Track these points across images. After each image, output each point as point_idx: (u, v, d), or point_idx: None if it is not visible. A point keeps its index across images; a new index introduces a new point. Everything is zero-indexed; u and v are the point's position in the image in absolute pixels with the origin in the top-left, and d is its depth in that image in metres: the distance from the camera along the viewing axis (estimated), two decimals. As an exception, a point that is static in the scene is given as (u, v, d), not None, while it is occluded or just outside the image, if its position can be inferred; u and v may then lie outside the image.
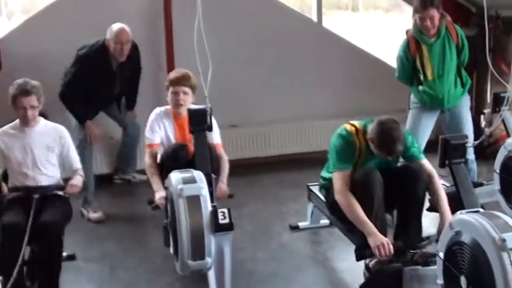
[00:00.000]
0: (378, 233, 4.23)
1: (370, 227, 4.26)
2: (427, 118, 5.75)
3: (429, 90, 5.65)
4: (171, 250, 4.43)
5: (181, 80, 5.17)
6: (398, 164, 4.81)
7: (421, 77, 5.65)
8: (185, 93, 5.15)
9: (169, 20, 7.01)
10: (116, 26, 5.93)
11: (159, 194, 4.84)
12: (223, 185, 4.99)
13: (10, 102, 4.71)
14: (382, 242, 4.16)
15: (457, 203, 4.35)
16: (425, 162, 4.66)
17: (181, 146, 5.07)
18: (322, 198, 5.04)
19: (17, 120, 4.79)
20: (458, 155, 4.32)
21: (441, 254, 3.70)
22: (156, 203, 4.81)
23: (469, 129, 5.67)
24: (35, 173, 4.68)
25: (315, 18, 7.72)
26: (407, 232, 4.46)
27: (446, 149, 4.31)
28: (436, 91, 5.63)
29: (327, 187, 4.81)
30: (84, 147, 5.97)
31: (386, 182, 4.45)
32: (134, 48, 6.20)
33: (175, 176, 4.29)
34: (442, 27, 5.52)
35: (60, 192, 4.71)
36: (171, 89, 5.19)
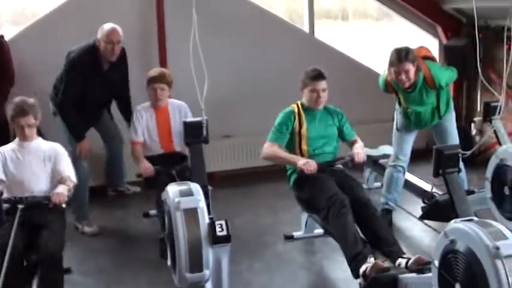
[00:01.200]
0: (302, 157, 5.09)
1: (295, 156, 5.15)
2: (410, 130, 5.91)
3: (405, 114, 5.80)
4: (169, 263, 4.45)
5: (158, 78, 5.73)
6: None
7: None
8: (162, 89, 5.71)
9: (162, 33, 7.07)
10: (107, 26, 5.84)
11: (145, 165, 5.58)
12: None
13: (9, 120, 4.86)
14: (307, 160, 5.00)
15: (450, 212, 4.40)
16: (356, 137, 5.43)
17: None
18: (292, 190, 5.35)
19: (17, 138, 4.91)
20: (452, 164, 4.37)
21: (436, 262, 3.73)
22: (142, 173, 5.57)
23: (454, 140, 5.76)
24: (28, 183, 4.73)
25: (306, 29, 7.77)
26: (382, 238, 4.65)
27: (440, 159, 4.36)
28: (412, 121, 5.79)
29: (292, 176, 5.29)
30: (77, 161, 5.97)
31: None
32: (123, 52, 6.10)
33: (172, 189, 4.33)
34: (418, 80, 5.49)
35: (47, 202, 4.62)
36: (149, 86, 5.75)
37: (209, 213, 4.30)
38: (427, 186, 5.74)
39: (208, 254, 4.13)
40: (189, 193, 4.28)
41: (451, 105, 5.82)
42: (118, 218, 6.46)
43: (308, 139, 5.25)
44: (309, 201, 5.09)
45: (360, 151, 5.22)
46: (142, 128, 5.77)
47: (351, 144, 5.40)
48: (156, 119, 5.79)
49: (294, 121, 5.30)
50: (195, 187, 4.36)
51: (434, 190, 5.55)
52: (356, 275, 4.38)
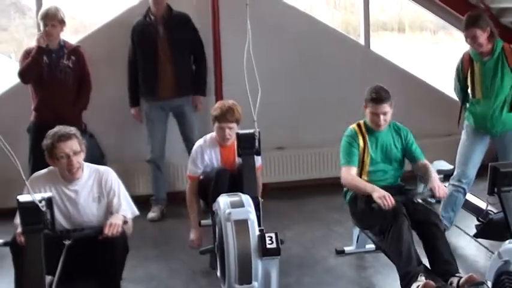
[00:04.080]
0: (379, 189, 4.68)
1: (372, 186, 4.79)
2: (478, 143, 5.69)
3: (474, 109, 5.65)
4: (218, 273, 4.47)
5: (227, 116, 5.20)
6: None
7: (470, 96, 5.67)
8: (230, 128, 5.20)
9: (218, 44, 7.06)
10: None
11: (193, 234, 5.32)
12: None
13: (47, 157, 4.32)
14: (384, 194, 4.59)
15: (505, 231, 4.32)
16: (426, 162, 5.12)
17: (223, 170, 5.19)
18: (346, 203, 5.28)
19: (52, 170, 4.40)
20: (508, 183, 4.28)
21: (489, 283, 3.68)
22: (189, 244, 5.07)
23: None
24: (74, 227, 4.32)
25: (362, 42, 7.73)
26: (442, 258, 4.55)
27: (495, 176, 4.28)
28: (480, 111, 5.61)
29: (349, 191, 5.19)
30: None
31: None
32: (185, 18, 6.56)
33: (223, 200, 4.34)
34: (496, 46, 5.48)
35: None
36: (216, 124, 5.26)
37: (259, 225, 4.30)
38: (482, 204, 5.63)
39: (258, 266, 4.12)
40: (240, 204, 4.29)
41: None
42: (170, 226, 6.48)
43: (370, 164, 5.09)
44: (364, 215, 4.98)
45: (440, 184, 4.87)
46: (204, 164, 5.34)
47: (420, 168, 5.11)
48: (220, 156, 5.35)
49: (359, 142, 5.09)
50: (246, 199, 4.37)
51: (489, 208, 5.44)
52: None
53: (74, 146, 4.26)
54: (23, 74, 5.97)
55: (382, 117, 5.02)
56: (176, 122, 6.70)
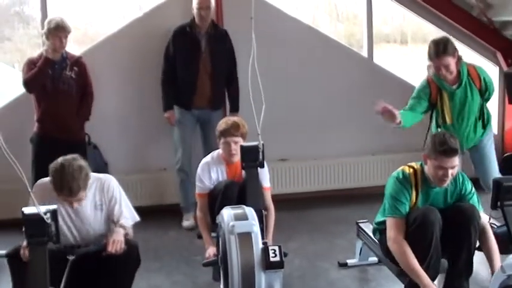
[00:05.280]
0: (432, 285, 4.20)
1: (424, 278, 4.21)
2: None
3: None
4: (221, 286, 4.46)
5: (232, 131, 5.11)
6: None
7: (440, 121, 5.62)
8: (236, 142, 5.08)
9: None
10: None
11: (208, 252, 4.91)
12: None
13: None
14: None
15: (508, 244, 4.32)
16: (482, 214, 4.56)
17: (231, 182, 5.15)
18: (375, 240, 4.94)
19: None
20: (511, 197, 4.29)
21: (493, 298, 3.67)
22: (205, 261, 4.86)
23: (494, 166, 5.66)
24: (81, 235, 4.37)
25: (365, 54, 7.74)
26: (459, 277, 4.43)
27: (498, 190, 4.28)
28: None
29: (382, 229, 4.71)
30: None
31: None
32: (225, 34, 6.65)
33: (227, 212, 4.34)
34: (462, 73, 5.40)
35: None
36: (222, 140, 5.15)
37: (263, 238, 4.30)
38: (485, 218, 5.62)
39: (261, 279, 4.11)
40: (243, 217, 4.29)
41: (490, 123, 5.69)
42: (172, 238, 6.49)
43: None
44: None
45: None
46: (212, 182, 5.20)
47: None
48: (226, 175, 5.23)
49: (411, 194, 4.47)
50: (250, 211, 4.37)
51: (492, 221, 5.43)
52: None
53: (79, 196, 4.20)
54: (29, 84, 5.98)
55: (450, 171, 4.32)
56: (200, 130, 6.73)
